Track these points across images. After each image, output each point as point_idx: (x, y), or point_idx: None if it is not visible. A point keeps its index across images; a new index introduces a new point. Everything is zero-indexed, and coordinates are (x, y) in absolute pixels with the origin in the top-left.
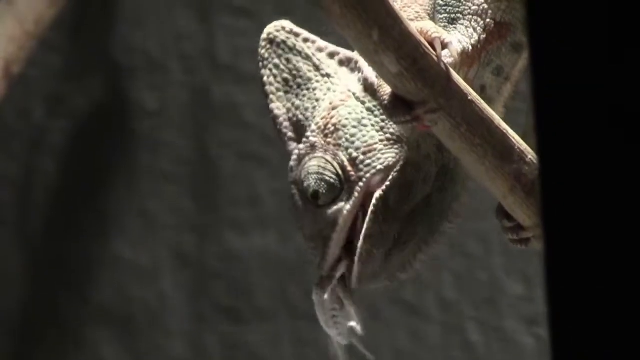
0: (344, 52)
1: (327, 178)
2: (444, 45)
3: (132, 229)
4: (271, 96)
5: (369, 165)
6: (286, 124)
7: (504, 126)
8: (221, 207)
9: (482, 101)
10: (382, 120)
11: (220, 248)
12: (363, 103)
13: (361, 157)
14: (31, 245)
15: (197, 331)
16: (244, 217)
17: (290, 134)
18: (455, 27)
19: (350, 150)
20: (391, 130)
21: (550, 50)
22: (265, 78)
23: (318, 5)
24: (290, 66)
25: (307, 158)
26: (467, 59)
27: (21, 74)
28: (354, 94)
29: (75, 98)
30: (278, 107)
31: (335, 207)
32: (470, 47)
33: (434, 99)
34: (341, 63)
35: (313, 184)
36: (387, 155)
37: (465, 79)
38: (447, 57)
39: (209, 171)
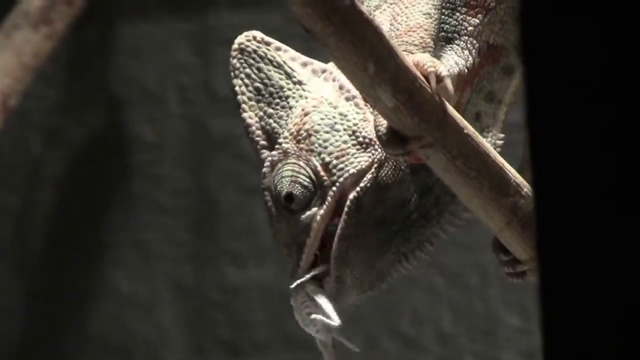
0: (318, 63)
1: (301, 181)
2: (439, 79)
3: (130, 260)
4: (243, 105)
5: (341, 169)
6: (258, 132)
7: (500, 159)
8: (219, 239)
9: (478, 135)
10: (355, 125)
11: (218, 280)
12: (335, 108)
13: (334, 161)
14: (29, 277)
15: None
16: (242, 250)
17: (262, 142)
18: (451, 48)
19: (323, 155)
20: (363, 133)
21: (545, 79)
22: (237, 88)
23: (314, 38)
24: (262, 75)
25: (280, 164)
26: (461, 82)
27: (18, 106)
28: (326, 100)
29: (72, 130)
30: (250, 116)
31: (308, 212)
32: (466, 70)
33: (430, 132)
34: (314, 72)
35: (287, 186)
36: (360, 159)
37: (458, 103)
38: (443, 89)
39: (207, 203)
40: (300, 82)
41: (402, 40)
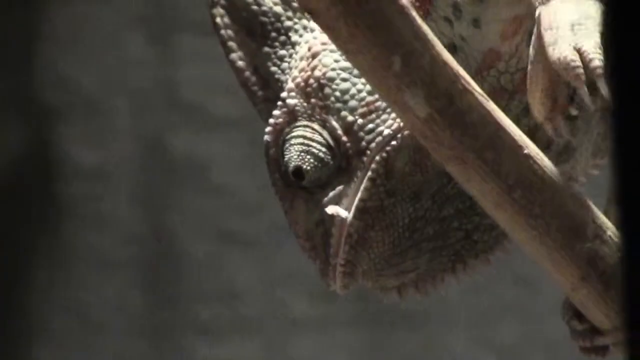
0: None
1: (315, 151)
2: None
3: (61, 333)
4: (230, 43)
5: (371, 130)
6: (254, 79)
7: (575, 190)
8: (184, 303)
9: (543, 156)
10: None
11: (183, 359)
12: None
13: (359, 120)
14: None
15: None
16: (215, 318)
17: (260, 92)
18: None
19: (343, 113)
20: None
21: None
22: (218, 19)
23: (318, 22)
24: (250, 1)
25: (287, 129)
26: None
27: None
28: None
29: None
30: (240, 56)
31: (333, 193)
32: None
33: (478, 152)
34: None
35: (296, 158)
36: (395, 115)
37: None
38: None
39: (167, 253)
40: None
41: None
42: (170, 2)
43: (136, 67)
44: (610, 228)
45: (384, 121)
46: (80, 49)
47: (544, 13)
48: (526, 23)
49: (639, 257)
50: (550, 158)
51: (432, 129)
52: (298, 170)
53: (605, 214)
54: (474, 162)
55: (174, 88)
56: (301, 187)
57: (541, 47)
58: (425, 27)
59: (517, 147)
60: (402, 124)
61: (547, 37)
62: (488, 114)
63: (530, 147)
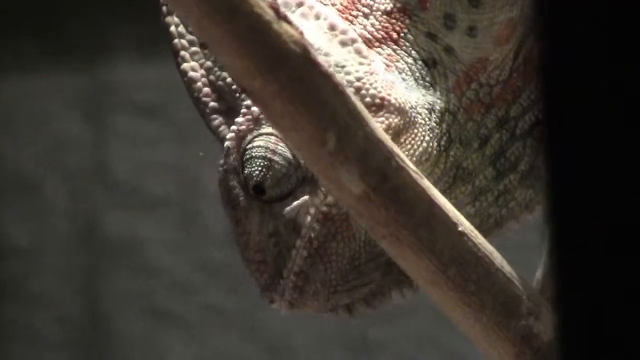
0: None
1: (279, 159)
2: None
3: None
4: (182, 53)
5: None
6: (206, 90)
7: (508, 269)
8: None
9: (477, 233)
10: (358, 79)
11: None
12: (326, 55)
13: None
14: None
15: None
16: None
17: (213, 103)
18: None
19: None
20: (371, 91)
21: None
22: (172, 28)
23: (253, 99)
24: None
25: (249, 136)
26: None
27: None
28: (310, 44)
29: None
30: (193, 67)
31: (297, 203)
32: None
33: (412, 230)
34: (286, 5)
35: (259, 167)
36: None
37: None
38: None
39: (99, 332)
40: None
41: None
42: (105, 82)
43: (71, 146)
44: (544, 305)
45: None
46: (14, 127)
47: None
48: (519, 29)
49: (574, 334)
50: (514, 180)
51: (366, 207)
52: (259, 187)
53: (542, 288)
54: (408, 240)
55: (108, 168)
56: (258, 197)
57: None
58: (359, 104)
59: (452, 225)
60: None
61: None
62: (422, 192)
63: (465, 225)
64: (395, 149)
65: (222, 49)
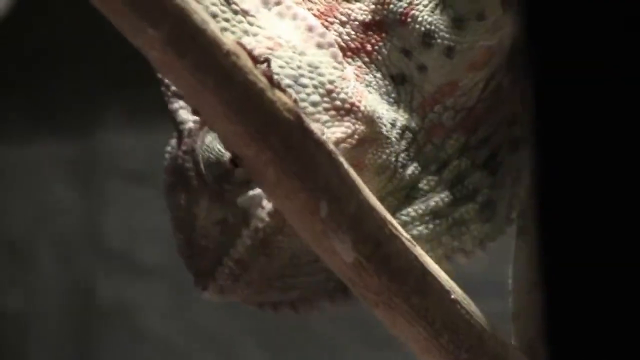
0: None
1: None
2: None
3: None
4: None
5: None
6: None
7: (501, 336)
8: None
9: (470, 301)
10: (330, 82)
11: None
12: (301, 55)
13: None
14: None
15: None
16: None
17: (175, 87)
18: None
19: None
20: (342, 95)
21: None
22: None
23: (245, 167)
24: None
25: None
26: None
27: None
28: (287, 43)
29: None
30: None
31: (252, 193)
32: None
33: (404, 297)
34: (265, 3)
35: (220, 154)
36: (335, 130)
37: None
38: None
39: None
40: (245, 12)
41: None
42: (96, 149)
43: (62, 212)
44: None
45: (323, 134)
46: (5, 194)
47: None
48: (495, 58)
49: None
50: (471, 211)
51: (359, 275)
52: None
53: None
54: (401, 307)
55: (99, 234)
56: (216, 181)
57: None
58: (352, 172)
59: (444, 292)
60: (339, 139)
61: None
62: (415, 259)
63: (457, 292)
64: (389, 216)
65: (216, 116)
